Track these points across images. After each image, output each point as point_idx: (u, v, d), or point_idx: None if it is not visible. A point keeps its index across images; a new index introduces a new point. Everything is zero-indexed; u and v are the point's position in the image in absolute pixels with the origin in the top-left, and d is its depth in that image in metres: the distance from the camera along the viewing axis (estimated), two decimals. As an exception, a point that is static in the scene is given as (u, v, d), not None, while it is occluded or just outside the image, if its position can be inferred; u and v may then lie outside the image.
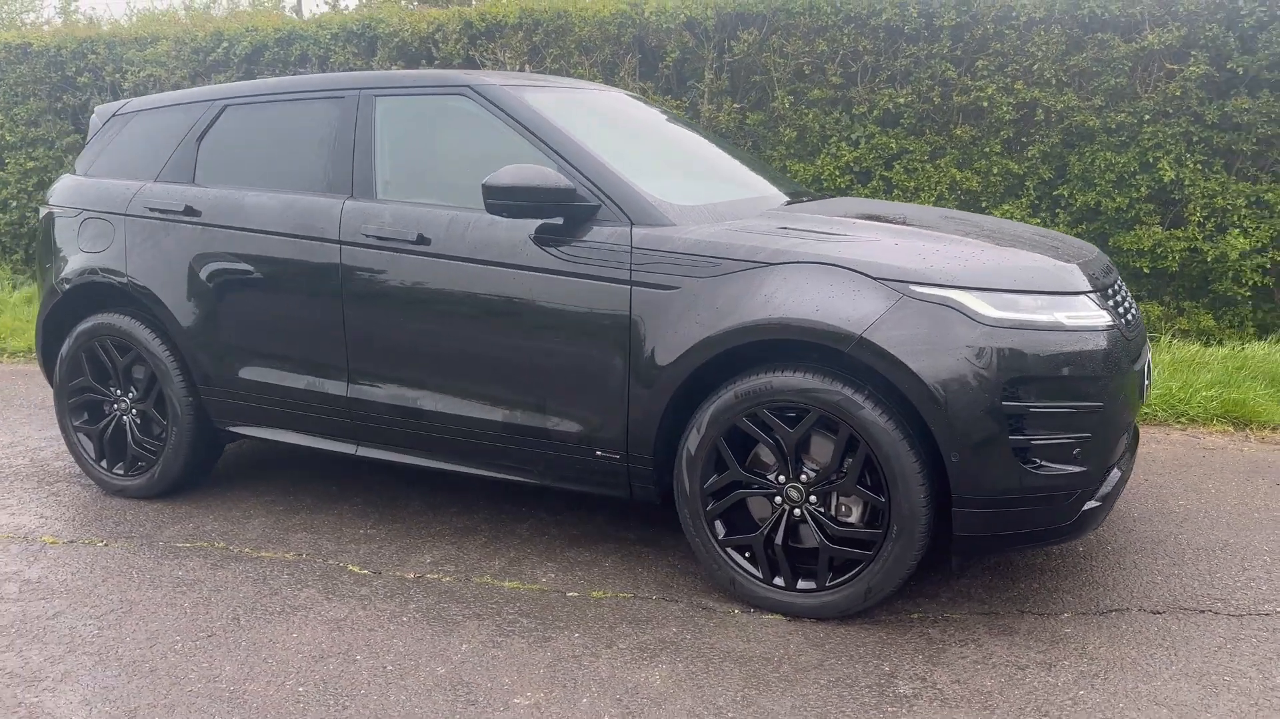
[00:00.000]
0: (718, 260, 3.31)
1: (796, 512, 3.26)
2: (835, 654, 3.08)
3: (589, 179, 3.54)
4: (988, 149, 6.92)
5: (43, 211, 4.76)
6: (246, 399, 4.18)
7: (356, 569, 3.74)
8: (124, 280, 4.34)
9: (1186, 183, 6.52)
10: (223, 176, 4.29)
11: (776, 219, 3.57)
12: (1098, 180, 6.69)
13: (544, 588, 3.56)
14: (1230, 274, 6.54)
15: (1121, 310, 3.38)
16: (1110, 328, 3.18)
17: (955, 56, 6.90)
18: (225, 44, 8.69)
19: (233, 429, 4.30)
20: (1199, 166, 6.52)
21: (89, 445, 4.59)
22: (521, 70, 7.89)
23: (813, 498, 3.24)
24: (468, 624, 3.30)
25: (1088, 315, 3.16)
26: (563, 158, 3.61)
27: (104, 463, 4.56)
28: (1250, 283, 6.52)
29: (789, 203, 4.07)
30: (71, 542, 4.03)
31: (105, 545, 3.99)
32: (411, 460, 3.94)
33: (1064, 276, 3.25)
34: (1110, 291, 3.40)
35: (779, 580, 3.32)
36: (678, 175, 4.16)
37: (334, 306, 3.90)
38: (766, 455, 3.33)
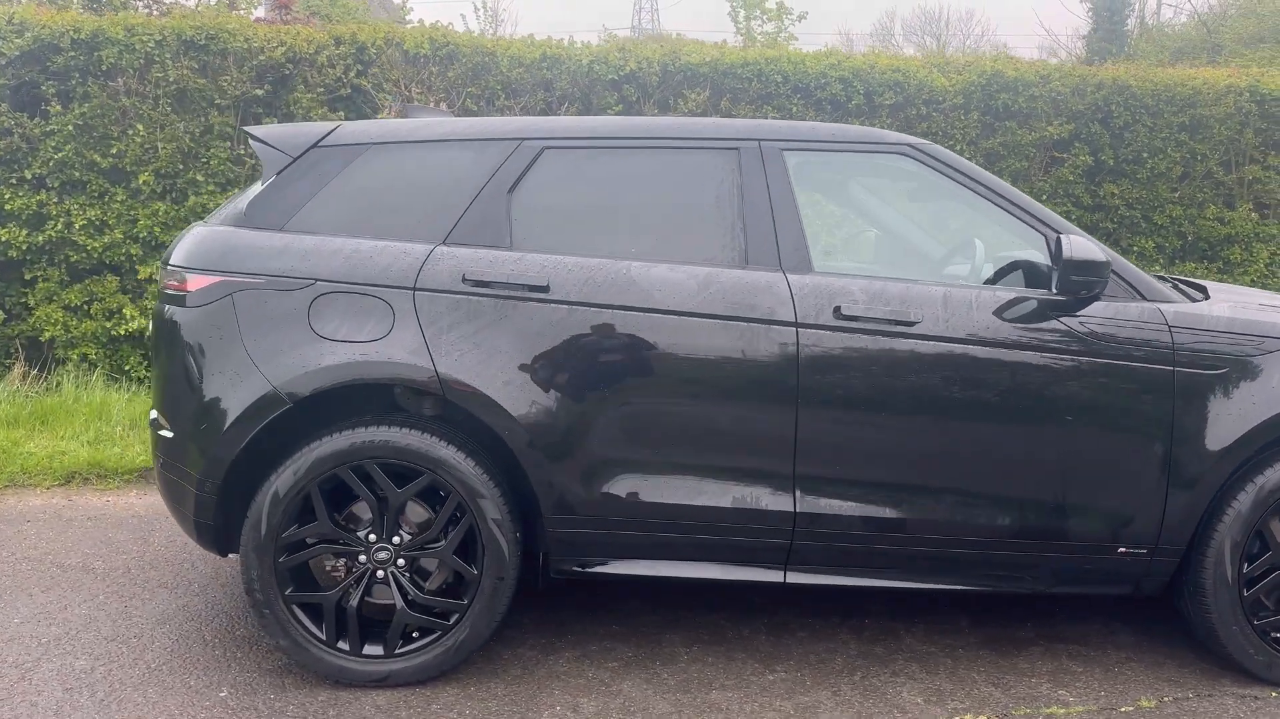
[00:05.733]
0: (1260, 339, 3.29)
1: (1324, 585, 3.33)
2: None
3: (1090, 254, 3.32)
4: (915, 219, 7.46)
5: (186, 283, 3.16)
6: (626, 527, 3.18)
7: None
8: (429, 380, 3.06)
9: (1072, 254, 7.62)
10: (548, 240, 3.24)
11: (1230, 294, 3.64)
12: (1005, 250, 7.55)
13: (1092, 709, 3.21)
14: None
15: None
16: None
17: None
18: (-17, 39, 6.35)
19: (585, 568, 3.24)
20: (1078, 241, 7.67)
21: (310, 622, 3.14)
22: (437, 106, 6.84)
23: (1345, 570, 3.34)
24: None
25: None
26: (1050, 228, 3.33)
27: (343, 644, 3.14)
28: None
29: None
30: (454, 768, 2.75)
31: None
32: (867, 583, 3.32)
33: None
34: None
35: (1312, 656, 3.36)
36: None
37: (782, 402, 3.15)
38: None
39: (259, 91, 6.67)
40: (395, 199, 3.26)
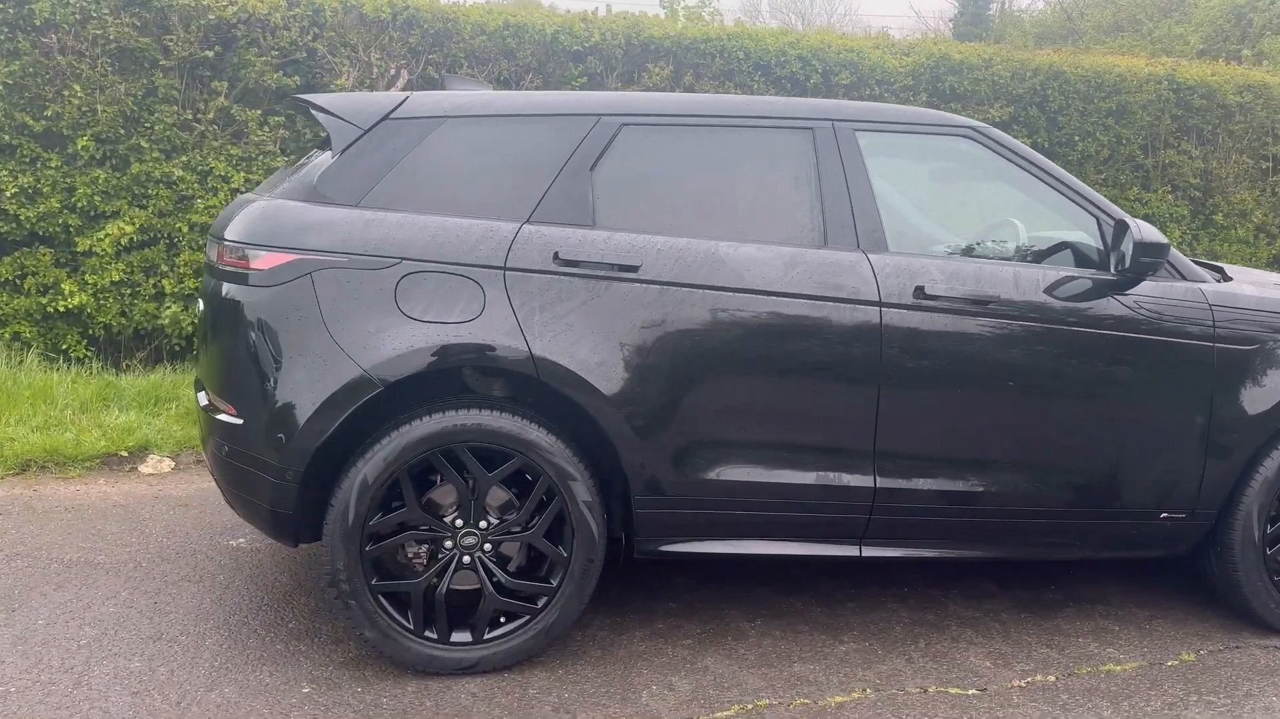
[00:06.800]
0: (1286, 316, 3.54)
1: (1332, 542, 3.63)
2: None
3: (1136, 233, 3.49)
4: (866, 197, 7.65)
5: (249, 260, 2.98)
6: (712, 506, 3.20)
7: (1049, 678, 3.18)
8: (523, 361, 2.99)
9: (1009, 232, 7.97)
10: (629, 219, 3.19)
11: (1248, 275, 3.88)
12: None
13: (1143, 664, 3.41)
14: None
15: None
16: None
17: (846, 111, 7.51)
18: (-105, -13, 5.76)
19: (668, 548, 3.24)
20: (1014, 219, 8.03)
21: (395, 612, 3.04)
22: (398, 75, 6.61)
23: (1347, 528, 3.64)
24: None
25: None
26: (1104, 212, 3.48)
27: (430, 632, 3.06)
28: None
29: None
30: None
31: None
32: (935, 554, 3.43)
33: None
34: None
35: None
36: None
37: (866, 380, 3.22)
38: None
39: (208, 53, 6.28)
40: (475, 175, 3.16)
